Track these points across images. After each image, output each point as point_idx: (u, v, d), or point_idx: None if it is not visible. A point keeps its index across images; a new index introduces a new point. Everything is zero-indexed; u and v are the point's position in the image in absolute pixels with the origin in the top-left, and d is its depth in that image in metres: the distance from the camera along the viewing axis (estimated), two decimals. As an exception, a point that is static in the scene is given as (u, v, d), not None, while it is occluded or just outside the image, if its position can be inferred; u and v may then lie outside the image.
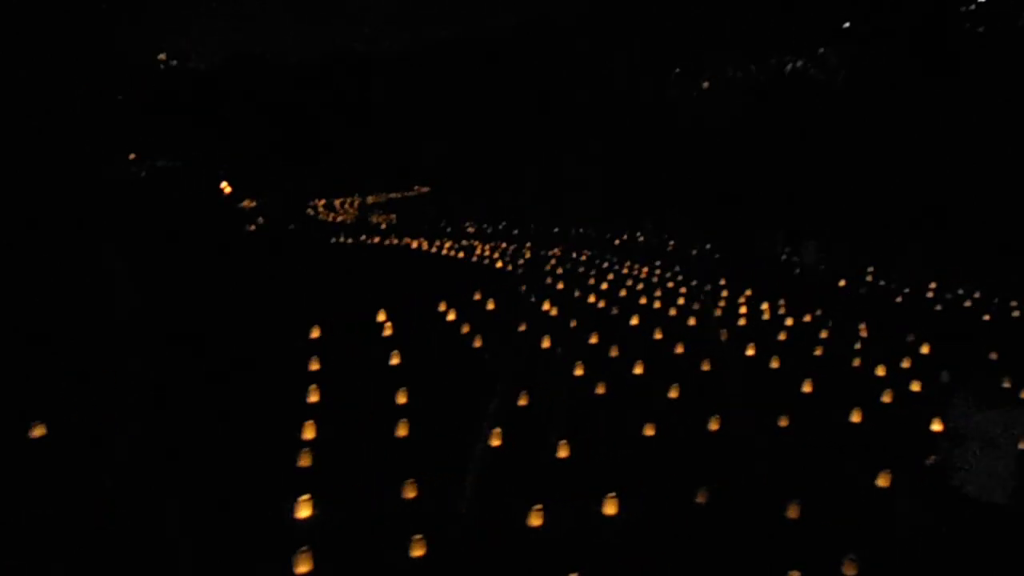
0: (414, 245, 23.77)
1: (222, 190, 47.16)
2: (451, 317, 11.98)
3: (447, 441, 7.29)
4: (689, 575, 5.49)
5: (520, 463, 7.05)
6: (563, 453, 7.25)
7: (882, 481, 6.87)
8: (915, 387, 9.61)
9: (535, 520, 5.99)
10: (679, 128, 39.95)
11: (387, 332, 10.81)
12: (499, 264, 19.49)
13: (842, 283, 18.16)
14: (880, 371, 10.22)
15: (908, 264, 19.68)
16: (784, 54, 41.64)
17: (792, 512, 6.24)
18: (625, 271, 18.98)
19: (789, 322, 13.12)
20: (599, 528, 6.03)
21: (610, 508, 6.25)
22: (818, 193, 29.37)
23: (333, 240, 24.48)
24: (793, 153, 32.48)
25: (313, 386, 8.12)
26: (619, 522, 6.12)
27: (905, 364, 10.64)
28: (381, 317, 11.41)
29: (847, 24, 40.12)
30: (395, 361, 9.54)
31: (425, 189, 52.84)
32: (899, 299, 16.27)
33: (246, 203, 37.99)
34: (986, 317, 14.41)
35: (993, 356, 11.03)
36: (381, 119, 58.55)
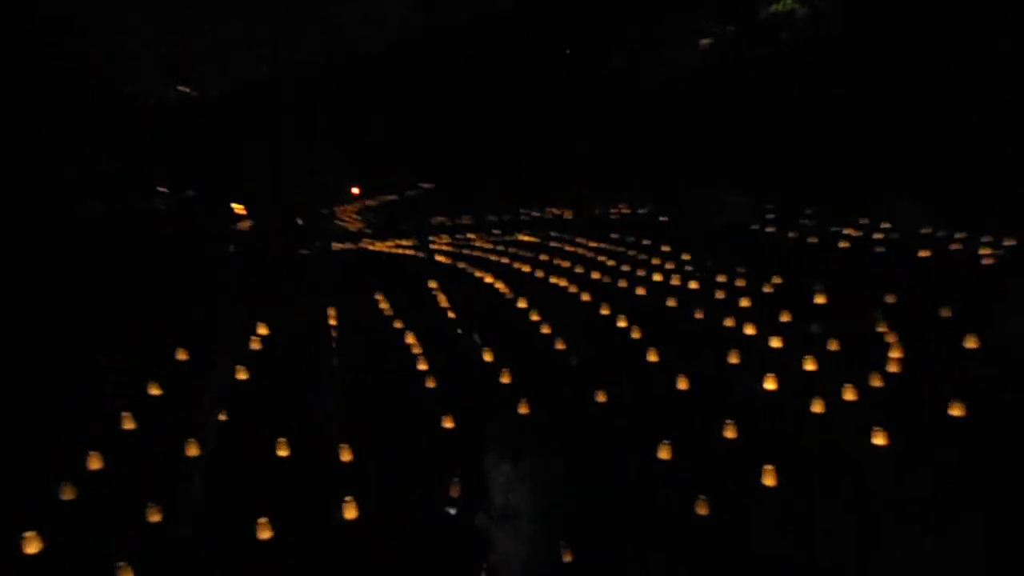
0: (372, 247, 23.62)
1: (234, 211, 48.27)
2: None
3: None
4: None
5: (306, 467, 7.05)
6: (346, 456, 7.24)
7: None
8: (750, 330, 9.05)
9: (264, 532, 6.00)
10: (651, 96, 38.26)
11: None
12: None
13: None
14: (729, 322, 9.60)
15: (900, 213, 18.32)
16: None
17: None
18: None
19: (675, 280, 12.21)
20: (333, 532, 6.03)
21: (349, 512, 6.23)
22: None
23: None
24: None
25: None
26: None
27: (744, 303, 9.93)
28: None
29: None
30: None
31: (430, 186, 52.72)
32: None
33: (243, 225, 38.59)
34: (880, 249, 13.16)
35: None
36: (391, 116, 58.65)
